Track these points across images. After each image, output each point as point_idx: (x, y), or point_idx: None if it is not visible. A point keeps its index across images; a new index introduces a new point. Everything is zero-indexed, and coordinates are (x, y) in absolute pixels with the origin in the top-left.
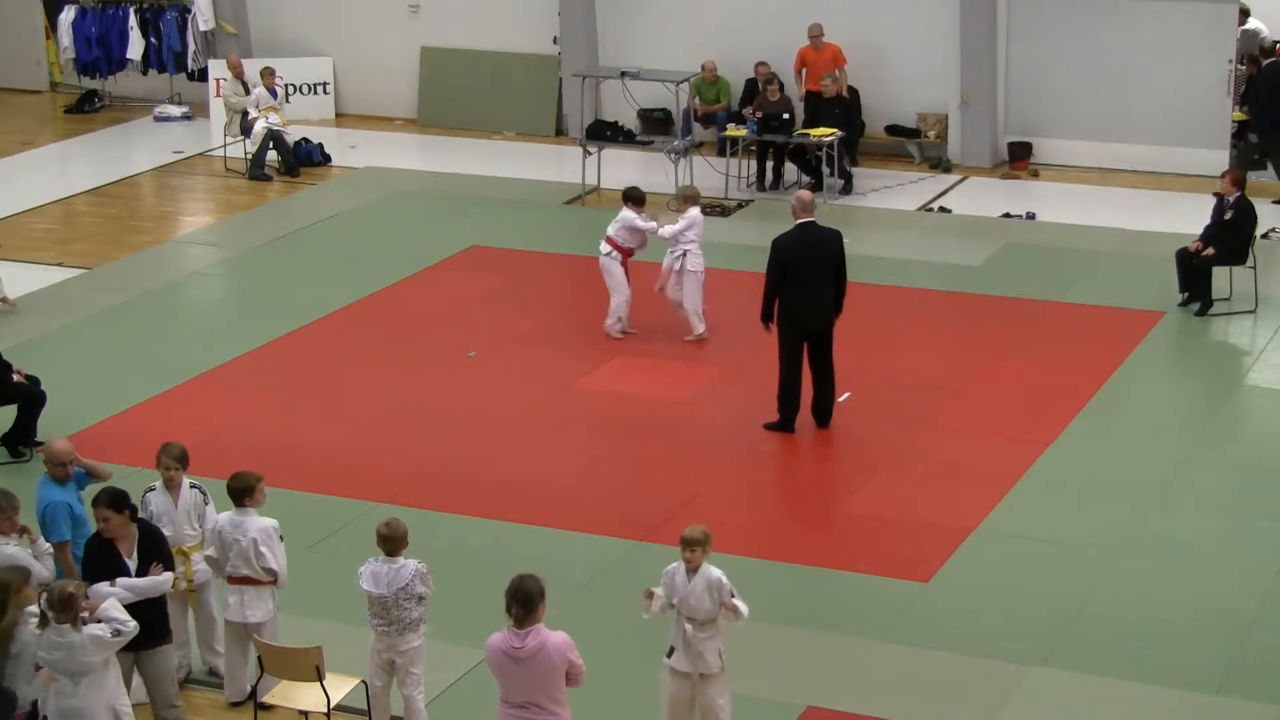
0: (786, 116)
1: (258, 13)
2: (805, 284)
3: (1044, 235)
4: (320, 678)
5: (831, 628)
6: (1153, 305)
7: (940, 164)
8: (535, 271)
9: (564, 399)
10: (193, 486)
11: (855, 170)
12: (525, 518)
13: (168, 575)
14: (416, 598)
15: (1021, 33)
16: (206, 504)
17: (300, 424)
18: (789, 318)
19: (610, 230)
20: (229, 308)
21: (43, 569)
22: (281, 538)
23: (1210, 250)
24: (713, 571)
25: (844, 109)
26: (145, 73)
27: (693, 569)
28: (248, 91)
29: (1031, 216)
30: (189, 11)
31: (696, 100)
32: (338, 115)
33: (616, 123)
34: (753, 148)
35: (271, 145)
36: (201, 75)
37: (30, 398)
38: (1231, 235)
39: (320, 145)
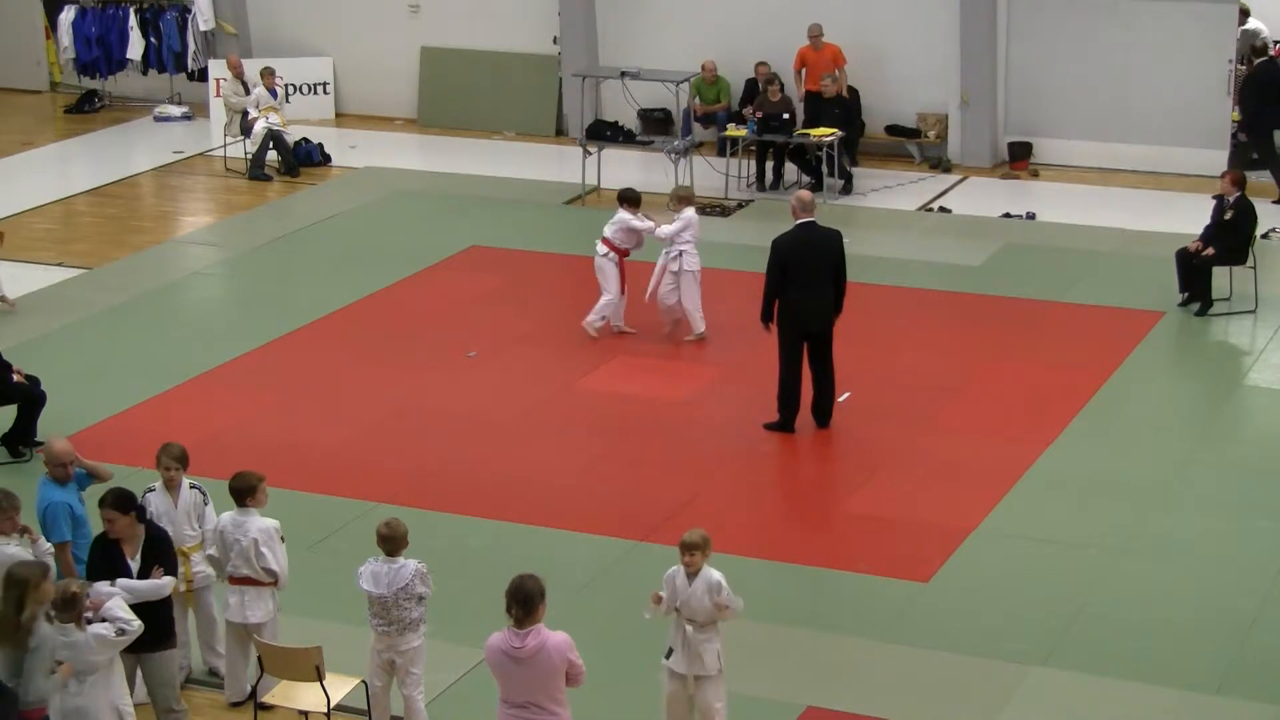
0: (786, 116)
1: (258, 13)
2: (805, 284)
3: (1044, 235)
4: (320, 678)
5: (831, 628)
6: (1153, 305)
7: (940, 164)
8: (535, 271)
9: (564, 399)
10: (193, 487)
11: (855, 170)
12: (525, 518)
13: (168, 580)
14: (416, 598)
15: (1021, 33)
16: (206, 504)
17: (300, 424)
18: (789, 318)
19: (607, 232)
20: (229, 308)
21: None
22: (283, 539)
23: (1210, 250)
24: (712, 574)
25: (844, 109)
26: (145, 73)
27: (693, 573)
28: (248, 91)
29: (1031, 216)
30: (189, 11)
31: (696, 100)
32: (338, 115)
33: (617, 123)
34: (753, 148)
35: (271, 145)
36: (201, 75)
37: (30, 398)
38: (1231, 235)
39: (320, 145)
